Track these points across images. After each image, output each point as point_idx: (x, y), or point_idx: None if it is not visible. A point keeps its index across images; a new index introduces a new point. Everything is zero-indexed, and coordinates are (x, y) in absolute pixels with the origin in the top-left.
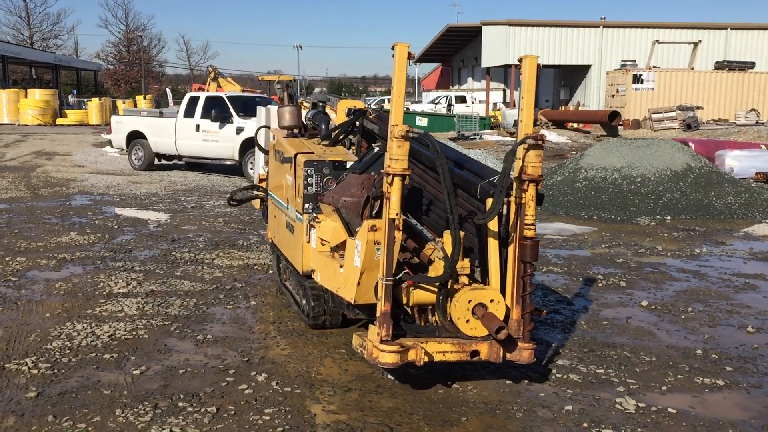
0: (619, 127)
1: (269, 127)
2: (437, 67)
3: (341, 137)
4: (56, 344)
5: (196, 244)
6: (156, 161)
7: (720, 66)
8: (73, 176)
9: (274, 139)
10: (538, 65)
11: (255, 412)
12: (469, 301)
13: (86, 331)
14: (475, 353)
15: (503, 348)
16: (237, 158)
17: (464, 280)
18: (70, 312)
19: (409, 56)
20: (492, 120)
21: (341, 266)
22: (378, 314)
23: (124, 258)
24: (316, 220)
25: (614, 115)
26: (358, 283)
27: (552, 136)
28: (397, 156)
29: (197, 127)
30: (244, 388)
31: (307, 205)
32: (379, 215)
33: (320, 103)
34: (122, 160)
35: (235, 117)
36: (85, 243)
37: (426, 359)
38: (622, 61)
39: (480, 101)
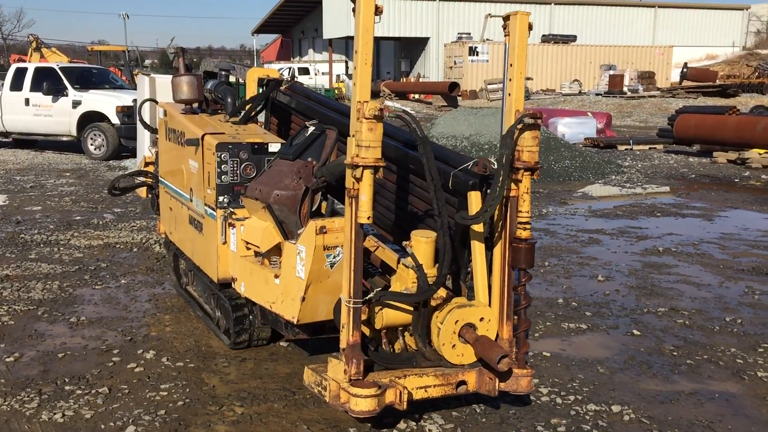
0: (458, 98)
1: (156, 101)
2: (277, 39)
3: (253, 114)
4: None
5: (45, 225)
6: None
7: (546, 39)
8: None
9: (165, 115)
10: (530, 24)
11: (150, 389)
12: (456, 322)
13: None
14: (462, 384)
15: (497, 377)
16: (75, 134)
17: (442, 293)
18: None
19: (377, 10)
20: (336, 92)
21: (276, 276)
22: (344, 346)
23: None
24: (235, 216)
25: (454, 86)
26: (303, 299)
27: (395, 107)
28: (368, 142)
29: (27, 101)
30: (134, 366)
31: (221, 198)
32: (318, 212)
33: (222, 72)
34: None
35: (70, 90)
36: None
37: (407, 399)
38: (459, 33)
39: (323, 73)
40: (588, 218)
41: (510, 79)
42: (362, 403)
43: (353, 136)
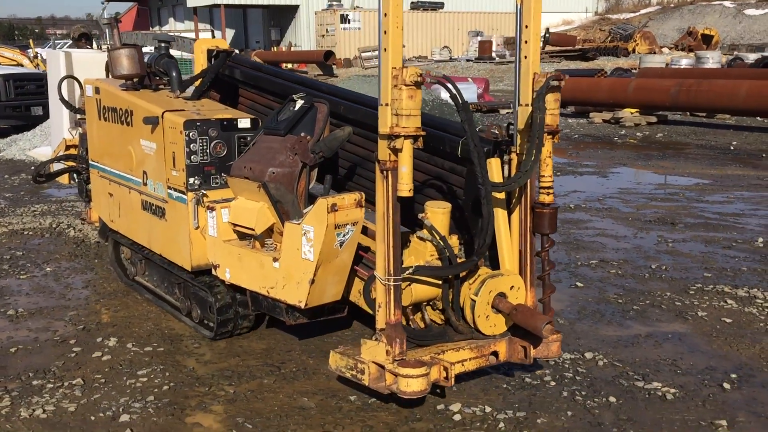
0: (333, 66)
1: (76, 78)
2: (132, 7)
3: (206, 88)
4: None
5: None
6: None
7: (415, 6)
8: None
9: (97, 92)
10: None
11: (128, 376)
12: (489, 292)
13: None
14: (494, 354)
15: (530, 344)
16: None
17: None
18: None
19: None
20: None
21: (276, 260)
22: (382, 326)
23: None
24: (208, 199)
25: (329, 54)
26: (312, 281)
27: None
28: (408, 110)
29: None
30: (99, 355)
31: (192, 180)
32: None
33: (163, 44)
34: None
35: None
36: None
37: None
38: (329, 1)
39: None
40: None
41: (525, 42)
42: (413, 383)
43: (388, 105)
